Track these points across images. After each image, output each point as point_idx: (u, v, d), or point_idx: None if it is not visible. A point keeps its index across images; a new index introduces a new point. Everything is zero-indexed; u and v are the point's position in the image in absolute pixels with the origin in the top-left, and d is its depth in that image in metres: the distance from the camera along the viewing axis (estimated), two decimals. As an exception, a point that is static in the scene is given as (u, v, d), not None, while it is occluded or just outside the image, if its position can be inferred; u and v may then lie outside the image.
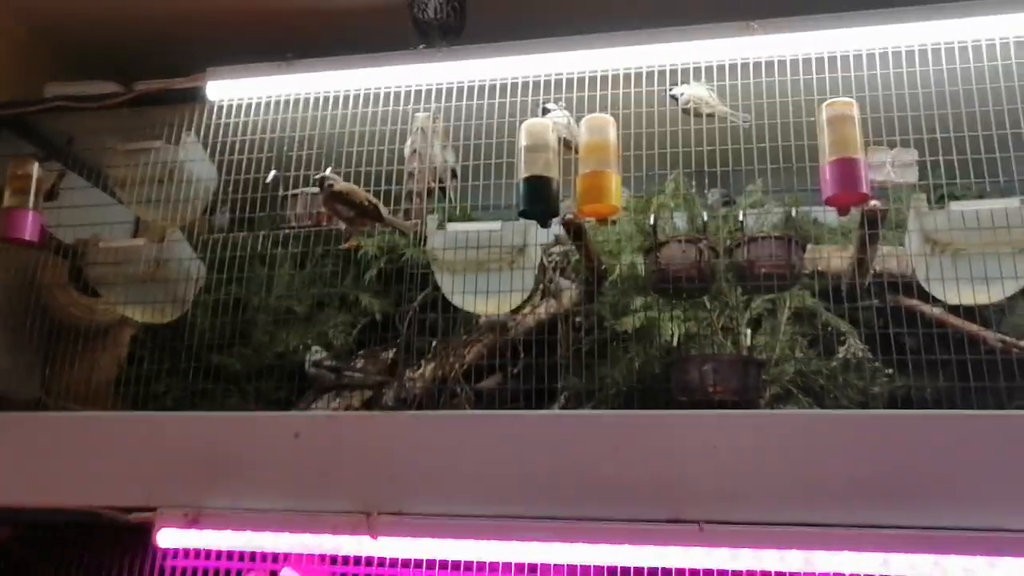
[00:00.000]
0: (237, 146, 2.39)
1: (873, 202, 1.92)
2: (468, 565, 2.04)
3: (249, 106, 2.44)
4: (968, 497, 1.68)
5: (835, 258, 2.30)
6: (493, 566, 2.04)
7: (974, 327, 2.13)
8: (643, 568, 1.89)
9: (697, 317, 2.22)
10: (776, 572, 1.78)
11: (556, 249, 2.55)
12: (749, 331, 2.09)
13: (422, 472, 1.89)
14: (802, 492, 1.77)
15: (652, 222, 2.07)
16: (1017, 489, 1.66)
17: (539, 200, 2.05)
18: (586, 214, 2.06)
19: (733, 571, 1.83)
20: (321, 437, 2.00)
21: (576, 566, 2.00)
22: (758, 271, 2.02)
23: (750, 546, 1.75)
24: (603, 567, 1.93)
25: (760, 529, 1.74)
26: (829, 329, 2.25)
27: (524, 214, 2.08)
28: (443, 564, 2.09)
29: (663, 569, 1.88)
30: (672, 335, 2.14)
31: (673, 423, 1.87)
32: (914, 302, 2.23)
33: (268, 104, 2.43)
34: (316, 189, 2.33)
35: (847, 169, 1.90)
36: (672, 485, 1.81)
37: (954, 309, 2.14)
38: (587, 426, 1.90)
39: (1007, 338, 2.12)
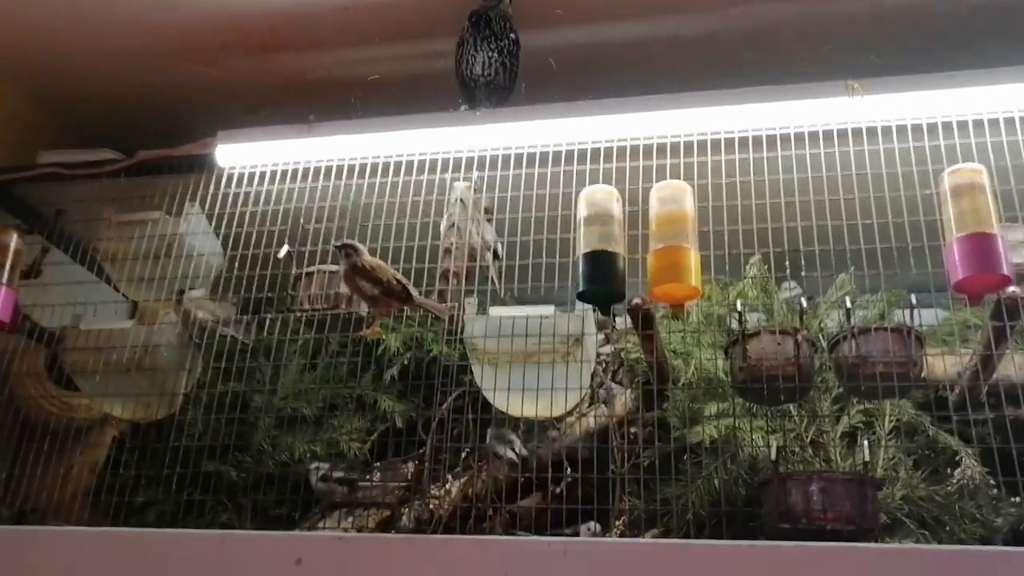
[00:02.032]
0: (247, 218, 2.08)
1: (1012, 288, 1.58)
2: None
3: (263, 175, 2.15)
4: None
5: (940, 363, 1.94)
6: None
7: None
8: None
9: (783, 427, 1.85)
10: None
11: (606, 349, 2.21)
12: (866, 443, 1.71)
13: None
14: None
15: (738, 307, 1.72)
16: None
17: (602, 279, 1.72)
18: (658, 298, 1.72)
19: None
20: (328, 564, 1.68)
21: None
22: (870, 370, 1.65)
23: None
24: None
25: None
26: (940, 448, 1.89)
27: (583, 296, 1.75)
28: None
29: None
30: (760, 447, 1.76)
31: (775, 557, 1.48)
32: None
33: (285, 173, 2.14)
34: (334, 267, 2.01)
35: (982, 246, 1.56)
36: None
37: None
38: (662, 557, 1.52)
39: None
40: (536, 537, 1.91)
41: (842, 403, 1.88)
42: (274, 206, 2.09)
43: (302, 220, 2.07)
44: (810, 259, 1.77)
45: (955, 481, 1.87)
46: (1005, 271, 1.57)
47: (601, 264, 1.73)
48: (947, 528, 1.84)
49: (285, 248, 2.00)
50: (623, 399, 2.10)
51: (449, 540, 1.79)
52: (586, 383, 1.84)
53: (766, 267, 1.93)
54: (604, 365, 2.18)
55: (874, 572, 1.48)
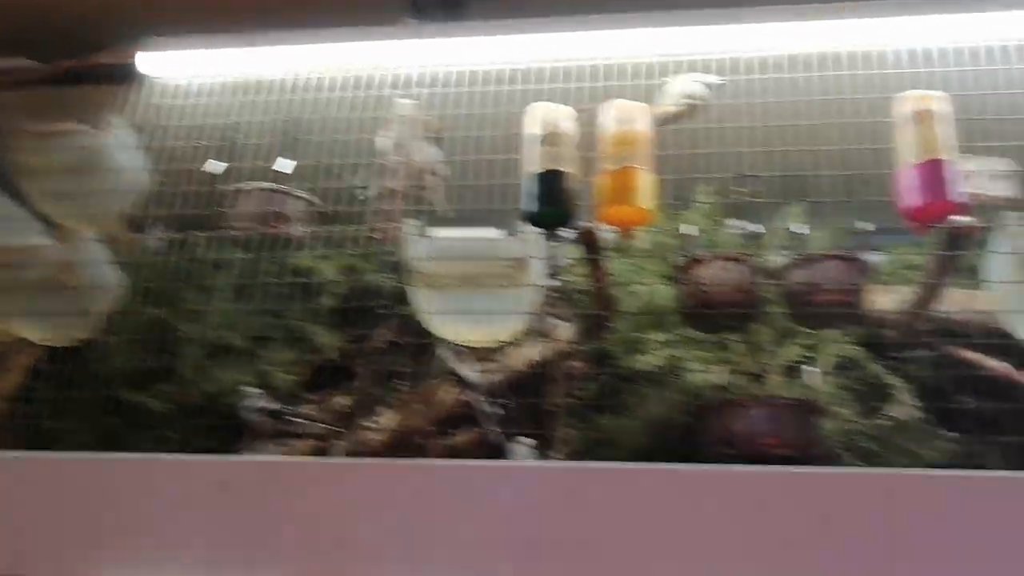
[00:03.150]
0: (176, 133, 1.97)
1: (963, 217, 1.56)
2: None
3: (194, 88, 2.03)
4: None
5: (882, 299, 1.93)
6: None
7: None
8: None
9: (729, 357, 1.82)
10: None
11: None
12: (809, 368, 1.69)
13: (384, 536, 1.55)
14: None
15: (684, 231, 1.68)
16: None
17: (551, 201, 1.66)
18: (608, 221, 1.67)
19: None
20: (253, 488, 1.63)
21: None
22: (819, 299, 1.63)
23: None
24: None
25: None
26: (881, 383, 1.89)
27: (531, 218, 1.69)
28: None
29: None
30: (704, 376, 1.73)
31: (709, 482, 1.46)
32: (977, 355, 1.87)
33: (218, 86, 2.02)
34: (269, 185, 1.91)
35: (937, 174, 1.54)
36: (708, 566, 1.42)
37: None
38: (588, 481, 1.52)
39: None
40: (465, 460, 1.84)
41: (788, 335, 1.87)
42: (206, 120, 1.98)
43: (237, 136, 1.97)
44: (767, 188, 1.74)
45: (890, 416, 1.88)
46: (955, 198, 1.55)
47: (550, 185, 1.68)
48: (883, 461, 1.85)
49: (215, 163, 1.89)
50: (566, 331, 2.06)
51: (378, 464, 1.74)
52: (531, 307, 1.78)
53: (717, 195, 1.88)
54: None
55: (817, 495, 1.47)
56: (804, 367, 1.74)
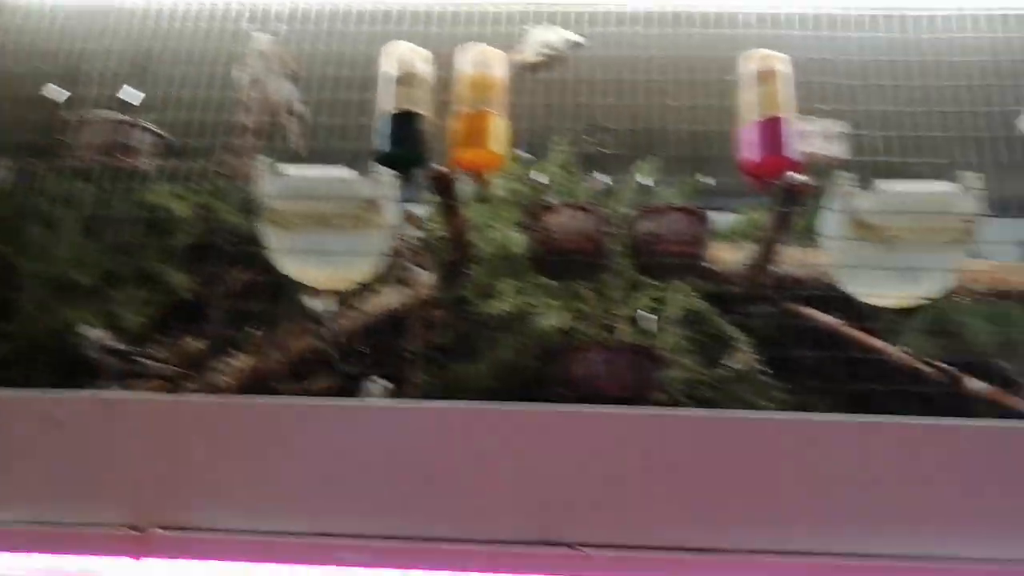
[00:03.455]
0: (16, 56, 1.87)
1: (799, 175, 1.63)
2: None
3: (44, 10, 1.93)
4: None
5: (727, 256, 2.00)
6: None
7: (876, 341, 1.89)
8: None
9: (577, 307, 1.86)
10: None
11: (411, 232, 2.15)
12: (645, 314, 1.74)
13: (221, 475, 1.56)
14: (701, 510, 1.50)
15: (535, 178, 1.71)
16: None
17: (405, 142, 1.65)
18: (460, 164, 1.67)
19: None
20: (89, 425, 1.59)
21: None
22: (663, 249, 1.68)
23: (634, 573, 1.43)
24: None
25: (648, 554, 1.46)
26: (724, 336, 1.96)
27: (384, 159, 1.68)
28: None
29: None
30: (552, 323, 1.77)
31: (547, 422, 1.51)
32: (810, 311, 1.96)
33: (66, 10, 1.93)
34: (117, 115, 1.84)
35: (776, 131, 1.61)
36: (544, 498, 1.50)
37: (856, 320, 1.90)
38: (437, 421, 1.57)
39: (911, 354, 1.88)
40: (308, 398, 1.82)
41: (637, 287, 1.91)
42: (52, 44, 1.89)
43: (84, 63, 1.88)
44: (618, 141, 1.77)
45: (730, 367, 1.95)
46: (791, 156, 1.62)
47: (404, 126, 1.67)
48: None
49: (56, 89, 1.80)
50: (424, 279, 2.06)
51: (227, 402, 1.72)
52: (382, 250, 1.77)
53: (570, 146, 1.91)
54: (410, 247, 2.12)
55: (650, 435, 1.53)
56: (641, 314, 1.79)
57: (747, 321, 1.94)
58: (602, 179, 1.81)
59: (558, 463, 1.51)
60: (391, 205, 1.75)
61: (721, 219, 2.13)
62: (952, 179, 1.67)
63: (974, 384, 1.84)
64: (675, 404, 1.80)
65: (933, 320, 2.03)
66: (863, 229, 1.68)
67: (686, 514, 1.50)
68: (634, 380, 1.62)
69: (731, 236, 2.07)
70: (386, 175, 1.73)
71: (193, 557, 1.48)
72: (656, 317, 1.79)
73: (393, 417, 1.61)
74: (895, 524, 1.48)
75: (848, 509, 1.50)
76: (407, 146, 1.66)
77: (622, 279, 1.83)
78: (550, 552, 1.46)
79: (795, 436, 1.59)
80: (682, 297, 1.95)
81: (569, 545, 1.45)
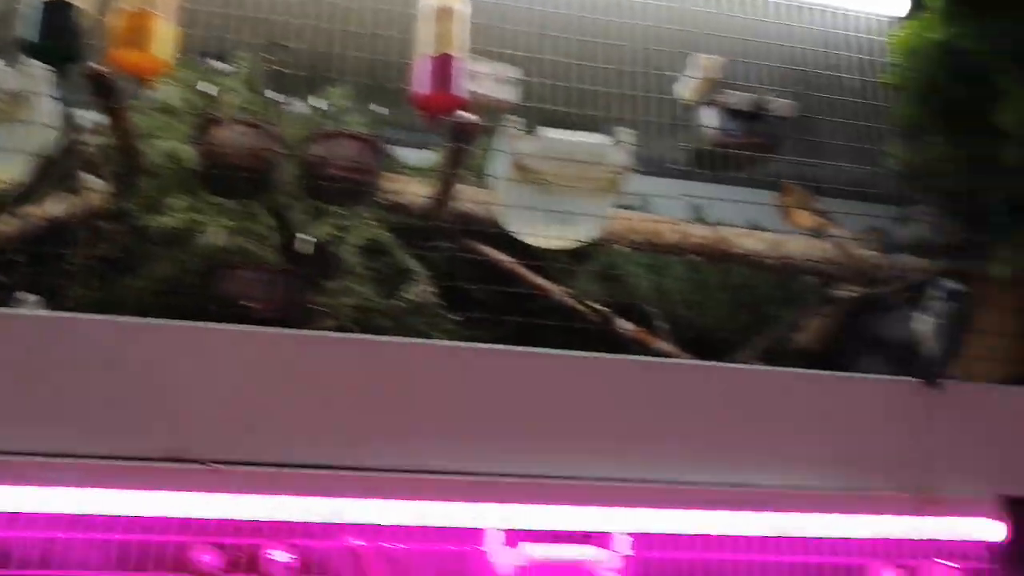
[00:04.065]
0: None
1: (467, 114, 1.68)
2: None
3: None
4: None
5: (410, 192, 2.03)
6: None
7: (541, 280, 2.01)
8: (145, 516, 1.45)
9: (247, 227, 1.83)
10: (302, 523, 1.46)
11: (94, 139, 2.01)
12: (304, 236, 1.74)
13: None
14: (347, 429, 1.53)
15: (203, 88, 1.65)
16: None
17: (57, 34, 1.54)
18: (120, 65, 1.58)
19: (248, 520, 1.47)
20: None
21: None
22: (331, 174, 1.68)
23: (267, 491, 1.46)
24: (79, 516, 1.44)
25: (281, 471, 1.47)
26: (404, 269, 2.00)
27: (32, 49, 1.55)
28: None
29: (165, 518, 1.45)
30: (216, 241, 1.73)
31: (191, 338, 1.48)
32: (485, 248, 2.04)
33: None
34: None
35: (447, 67, 1.64)
36: (176, 413, 1.48)
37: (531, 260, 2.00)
38: (56, 330, 1.49)
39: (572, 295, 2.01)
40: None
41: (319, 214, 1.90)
42: None
43: None
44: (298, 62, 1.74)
45: (406, 297, 2.00)
46: (459, 94, 1.66)
47: (56, 16, 1.55)
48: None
49: None
50: (94, 186, 1.94)
51: None
52: (33, 147, 1.65)
53: (250, 61, 1.86)
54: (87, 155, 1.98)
55: (291, 356, 1.53)
56: (300, 236, 1.78)
57: (426, 254, 1.99)
58: (279, 98, 1.77)
59: (200, 381, 1.49)
60: (42, 100, 1.63)
61: (417, 155, 2.19)
62: (608, 133, 1.78)
63: (624, 325, 2.01)
64: (341, 330, 1.83)
65: (603, 266, 2.19)
66: (523, 172, 1.76)
67: (328, 434, 1.53)
68: (285, 300, 1.61)
69: (423, 172, 2.11)
70: (37, 68, 1.61)
71: None
72: (314, 240, 1.78)
73: (39, 328, 1.52)
74: (551, 447, 1.59)
75: (503, 433, 1.59)
76: (56, 38, 1.54)
77: (292, 198, 1.81)
78: (182, 468, 1.44)
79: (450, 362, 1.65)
80: (364, 226, 1.97)
81: (201, 462, 1.44)
